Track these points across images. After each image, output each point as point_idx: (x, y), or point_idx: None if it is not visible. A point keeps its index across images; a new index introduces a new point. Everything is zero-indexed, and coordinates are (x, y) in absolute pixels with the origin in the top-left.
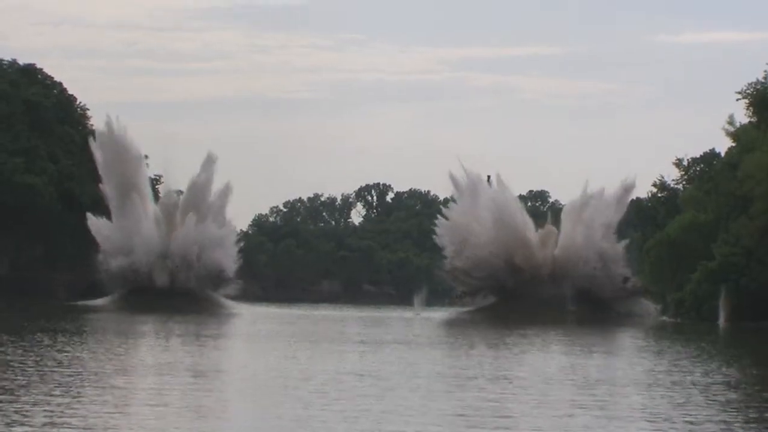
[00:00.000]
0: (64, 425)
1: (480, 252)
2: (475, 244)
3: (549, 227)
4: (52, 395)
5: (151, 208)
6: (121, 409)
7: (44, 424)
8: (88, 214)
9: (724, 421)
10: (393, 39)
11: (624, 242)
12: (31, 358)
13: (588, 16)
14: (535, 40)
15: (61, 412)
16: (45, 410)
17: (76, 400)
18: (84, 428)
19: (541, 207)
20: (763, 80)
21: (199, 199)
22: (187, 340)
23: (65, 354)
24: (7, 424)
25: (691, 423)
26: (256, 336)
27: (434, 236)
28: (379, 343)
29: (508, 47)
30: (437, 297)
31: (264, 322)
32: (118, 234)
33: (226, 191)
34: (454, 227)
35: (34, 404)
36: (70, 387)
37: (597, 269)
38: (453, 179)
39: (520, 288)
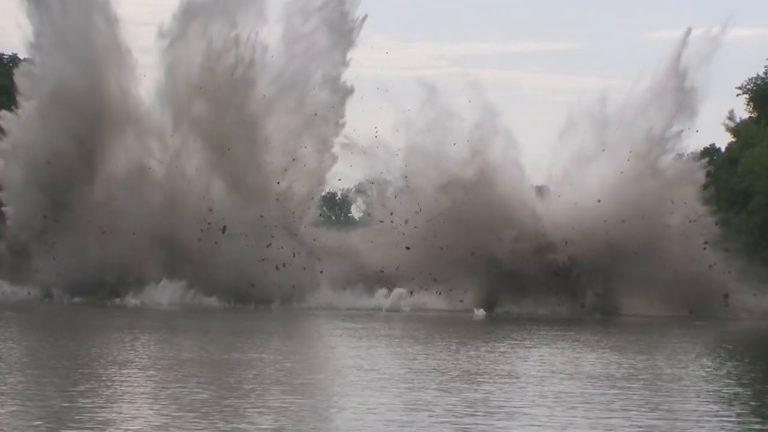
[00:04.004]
0: None
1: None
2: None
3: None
4: None
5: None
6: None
7: None
8: None
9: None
10: (392, 34)
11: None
12: None
13: (588, 12)
14: (535, 36)
15: None
16: None
17: None
18: None
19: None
20: (763, 75)
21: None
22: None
23: None
24: None
25: (694, 411)
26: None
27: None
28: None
29: (509, 43)
30: None
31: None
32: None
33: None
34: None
35: None
36: None
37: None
38: None
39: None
